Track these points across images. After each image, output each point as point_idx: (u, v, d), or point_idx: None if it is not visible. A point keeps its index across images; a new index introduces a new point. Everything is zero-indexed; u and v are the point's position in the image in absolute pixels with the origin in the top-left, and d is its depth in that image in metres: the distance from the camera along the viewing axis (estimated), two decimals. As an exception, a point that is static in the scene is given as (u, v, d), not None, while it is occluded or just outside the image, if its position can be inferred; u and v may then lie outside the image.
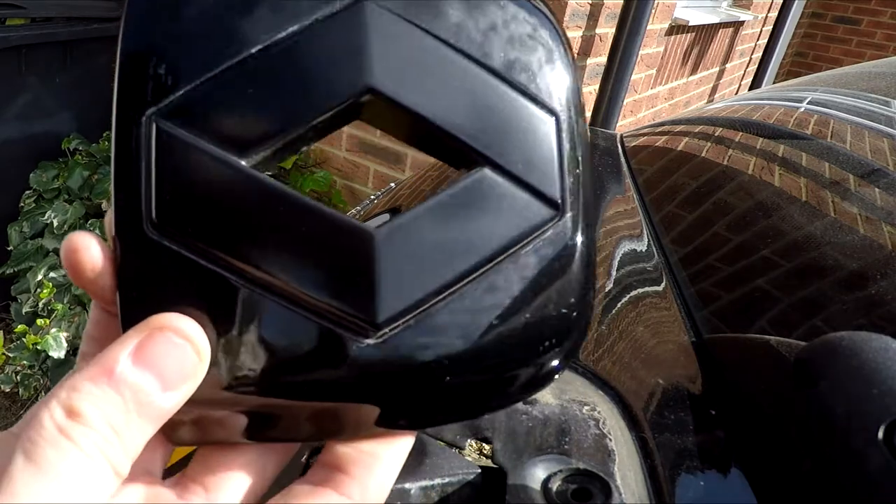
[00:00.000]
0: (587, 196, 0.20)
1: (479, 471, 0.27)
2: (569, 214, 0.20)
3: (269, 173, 0.19)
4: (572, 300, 0.20)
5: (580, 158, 0.20)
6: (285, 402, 0.19)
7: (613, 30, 2.02)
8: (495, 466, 0.28)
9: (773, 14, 3.89)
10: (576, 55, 1.93)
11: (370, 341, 0.19)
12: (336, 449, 0.20)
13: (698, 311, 0.45)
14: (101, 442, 0.16)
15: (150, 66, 0.18)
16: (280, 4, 0.18)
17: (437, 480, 0.27)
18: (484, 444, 0.29)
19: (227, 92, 0.18)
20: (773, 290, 0.47)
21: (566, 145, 0.20)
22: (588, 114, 2.16)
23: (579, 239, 0.20)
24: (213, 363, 0.18)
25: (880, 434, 0.25)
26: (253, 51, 0.18)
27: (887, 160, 0.70)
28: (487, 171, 0.19)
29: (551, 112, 0.20)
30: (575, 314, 0.20)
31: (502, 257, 0.19)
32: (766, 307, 0.46)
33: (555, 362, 0.20)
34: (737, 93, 4.03)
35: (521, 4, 0.20)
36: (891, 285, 0.45)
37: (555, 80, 0.20)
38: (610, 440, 0.30)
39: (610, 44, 2.03)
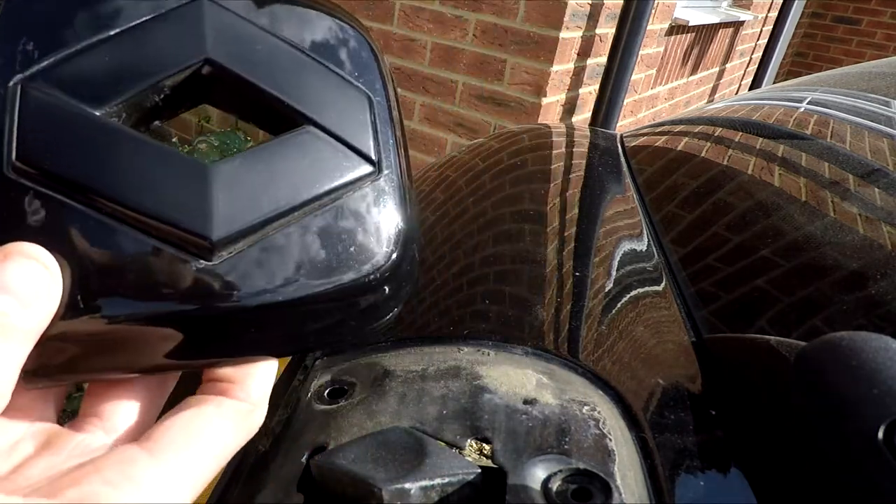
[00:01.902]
0: (404, 163, 0.24)
1: (479, 471, 0.27)
2: (385, 173, 0.23)
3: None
4: (391, 247, 0.23)
5: (396, 133, 0.24)
6: (143, 328, 0.21)
7: (613, 30, 2.02)
8: (495, 466, 0.28)
9: (773, 14, 3.89)
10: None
11: (208, 263, 0.21)
12: (215, 372, 0.22)
13: (698, 311, 0.45)
14: None
15: (20, 41, 0.21)
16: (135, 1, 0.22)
17: (437, 480, 0.27)
18: (484, 444, 0.29)
19: (86, 59, 0.21)
20: (773, 290, 0.47)
21: (378, 118, 0.23)
22: (588, 114, 2.16)
23: (396, 193, 0.23)
24: (69, 291, 0.20)
25: (880, 434, 0.25)
26: (111, 32, 0.22)
27: (887, 160, 0.70)
28: (311, 129, 0.22)
29: (363, 93, 0.23)
30: (394, 258, 0.23)
31: (327, 200, 0.22)
32: (766, 307, 0.46)
33: (379, 299, 0.24)
34: (737, 93, 4.03)
35: (336, 18, 0.24)
36: (891, 285, 0.45)
37: (367, 73, 0.24)
38: (610, 440, 0.30)
39: (610, 44, 2.03)
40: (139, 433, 0.21)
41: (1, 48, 0.21)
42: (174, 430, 0.20)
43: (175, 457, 0.20)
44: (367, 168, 0.23)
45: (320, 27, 0.24)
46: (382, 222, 0.23)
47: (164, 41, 0.22)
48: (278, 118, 0.23)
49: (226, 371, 0.22)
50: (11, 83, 0.21)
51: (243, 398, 0.22)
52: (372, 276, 0.23)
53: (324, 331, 0.23)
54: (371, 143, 0.23)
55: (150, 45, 0.22)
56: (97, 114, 0.21)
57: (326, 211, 0.22)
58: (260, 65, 0.22)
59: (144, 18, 0.22)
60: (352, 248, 0.22)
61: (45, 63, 0.21)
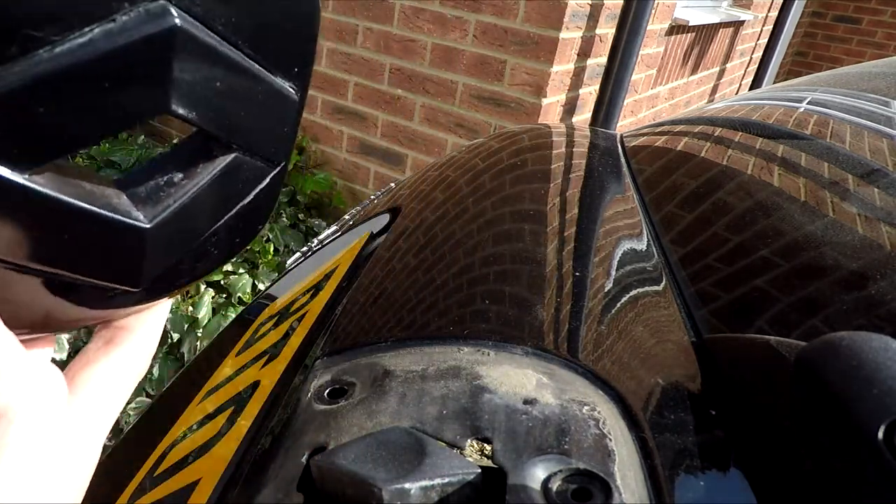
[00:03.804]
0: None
1: (479, 471, 0.27)
2: (283, 164, 0.24)
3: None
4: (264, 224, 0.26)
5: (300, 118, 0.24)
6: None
7: (613, 30, 2.02)
8: (495, 466, 0.28)
9: (774, 13, 3.89)
10: (572, 57, 1.93)
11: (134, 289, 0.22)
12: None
13: (698, 311, 0.45)
14: None
15: None
16: None
17: (437, 480, 0.27)
18: (484, 444, 0.29)
19: (9, 102, 0.15)
20: (773, 290, 0.47)
21: (298, 114, 0.23)
22: (588, 114, 2.16)
23: (281, 178, 0.25)
24: None
25: (880, 434, 0.25)
26: (42, 52, 0.15)
27: (887, 160, 0.70)
28: (240, 156, 0.22)
29: (294, 99, 0.22)
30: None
31: (235, 209, 0.23)
32: (766, 307, 0.46)
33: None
34: (737, 93, 4.03)
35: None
36: (891, 285, 0.45)
37: (302, 58, 0.22)
38: (610, 440, 0.30)
39: (610, 44, 2.03)
40: None
41: None
42: (86, 378, 0.23)
43: (92, 406, 0.23)
44: (270, 167, 0.24)
45: (272, 8, 0.20)
46: (266, 200, 0.25)
47: (119, 83, 0.17)
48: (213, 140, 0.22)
49: (121, 320, 0.25)
50: None
51: (138, 342, 0.25)
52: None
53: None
54: (286, 149, 0.24)
55: (99, 87, 0.16)
56: (24, 182, 0.16)
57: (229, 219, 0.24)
58: (213, 107, 0.20)
59: (89, 30, 0.16)
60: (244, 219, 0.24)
61: None
